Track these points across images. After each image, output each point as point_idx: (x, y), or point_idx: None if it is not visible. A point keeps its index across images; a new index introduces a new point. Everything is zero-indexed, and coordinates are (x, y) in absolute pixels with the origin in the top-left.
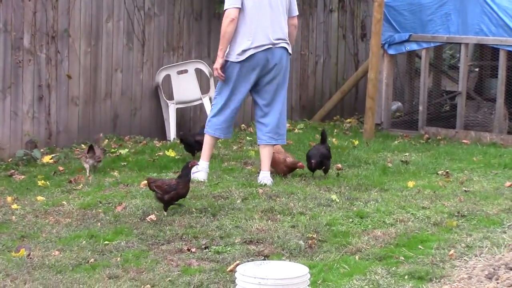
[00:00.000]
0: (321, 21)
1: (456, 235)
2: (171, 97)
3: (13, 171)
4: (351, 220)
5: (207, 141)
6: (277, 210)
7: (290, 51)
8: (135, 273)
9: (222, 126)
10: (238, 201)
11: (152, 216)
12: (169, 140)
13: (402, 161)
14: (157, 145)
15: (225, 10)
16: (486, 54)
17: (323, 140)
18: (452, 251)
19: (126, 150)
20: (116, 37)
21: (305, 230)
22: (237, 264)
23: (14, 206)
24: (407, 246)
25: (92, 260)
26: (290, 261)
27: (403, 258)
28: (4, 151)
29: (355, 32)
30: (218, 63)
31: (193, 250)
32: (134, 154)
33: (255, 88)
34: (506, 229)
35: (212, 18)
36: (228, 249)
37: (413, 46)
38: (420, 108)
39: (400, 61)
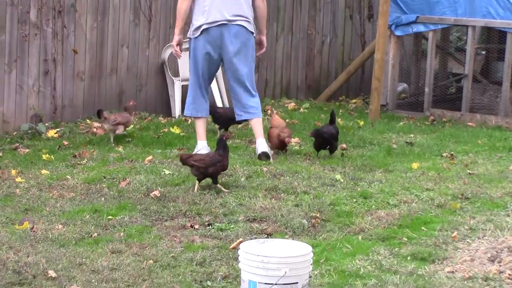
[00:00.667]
0: (328, 1)
1: (459, 217)
2: (176, 74)
3: (17, 144)
4: (354, 200)
5: (195, 123)
6: (281, 189)
7: (251, 29)
8: (138, 248)
9: (193, 105)
10: (242, 179)
11: (156, 192)
12: (174, 117)
13: (407, 142)
14: (162, 121)
15: None
16: (493, 37)
17: (332, 120)
18: (455, 233)
19: (131, 126)
20: (123, 13)
21: (309, 209)
22: (240, 242)
23: (18, 179)
24: (410, 227)
25: (95, 234)
26: (293, 239)
27: (406, 239)
28: (9, 125)
29: (362, 13)
30: (174, 40)
31: (196, 226)
32: (139, 130)
33: (224, 66)
34: (510, 212)
35: None
36: (231, 226)
37: (420, 28)
38: (426, 90)
39: (406, 43)
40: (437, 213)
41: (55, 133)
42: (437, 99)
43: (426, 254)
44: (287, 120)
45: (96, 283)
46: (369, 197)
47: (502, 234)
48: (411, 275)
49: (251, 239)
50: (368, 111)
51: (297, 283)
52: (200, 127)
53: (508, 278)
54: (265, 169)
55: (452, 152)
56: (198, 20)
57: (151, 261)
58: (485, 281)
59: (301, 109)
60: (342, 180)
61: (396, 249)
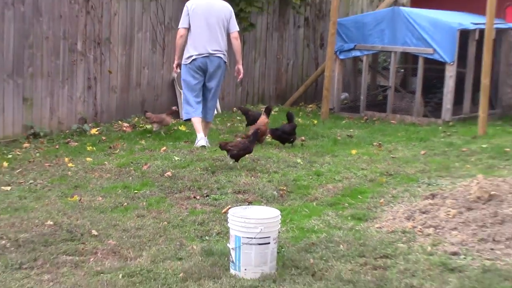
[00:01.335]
0: (291, 34)
1: (385, 188)
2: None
3: (69, 139)
4: (310, 177)
5: (193, 123)
6: (258, 170)
7: (225, 59)
8: (156, 213)
9: (191, 109)
10: (230, 163)
11: (169, 173)
12: (181, 119)
13: (347, 135)
14: (172, 122)
15: (178, 28)
16: (409, 59)
17: (289, 119)
18: (382, 200)
19: (150, 125)
20: (144, 44)
21: (278, 184)
22: (229, 208)
23: (70, 164)
24: (350, 196)
25: (125, 204)
26: (267, 206)
27: (347, 205)
28: (63, 125)
29: (316, 43)
30: (174, 63)
31: (198, 197)
32: None
33: (205, 83)
34: (421, 184)
35: None
36: (223, 197)
37: (357, 53)
38: (361, 97)
39: (347, 64)
40: (369, 185)
41: (96, 131)
42: (369, 104)
43: (362, 215)
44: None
45: (126, 239)
46: (320, 174)
47: (415, 200)
48: (351, 230)
49: (237, 206)
50: (320, 113)
51: (269, 237)
52: (197, 123)
53: (419, 231)
54: (247, 155)
55: (380, 142)
56: (190, 52)
57: (165, 222)
58: (403, 233)
59: (273, 111)
60: (301, 163)
61: (340, 211)
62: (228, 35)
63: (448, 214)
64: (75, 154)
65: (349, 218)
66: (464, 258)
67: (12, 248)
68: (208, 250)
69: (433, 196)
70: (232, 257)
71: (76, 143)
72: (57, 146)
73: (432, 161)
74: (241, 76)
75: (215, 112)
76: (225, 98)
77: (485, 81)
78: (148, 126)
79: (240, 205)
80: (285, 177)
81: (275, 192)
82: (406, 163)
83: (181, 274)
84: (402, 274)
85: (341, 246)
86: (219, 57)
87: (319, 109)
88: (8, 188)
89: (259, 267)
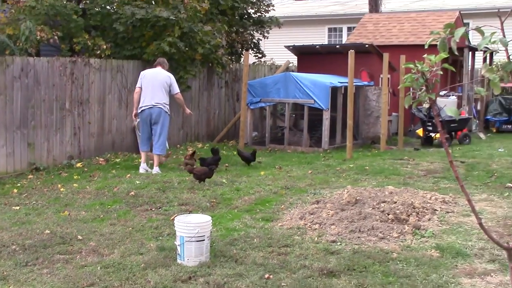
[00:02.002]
0: (216, 93)
1: (284, 198)
2: None
3: (61, 171)
4: (232, 192)
5: (141, 155)
6: (196, 188)
7: (165, 110)
8: (123, 222)
9: (141, 145)
10: (176, 184)
11: (132, 192)
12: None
13: (258, 161)
14: (135, 156)
15: (135, 88)
16: (298, 107)
17: (214, 153)
18: (282, 206)
19: (119, 159)
20: (113, 102)
21: (210, 197)
22: (175, 216)
23: (62, 189)
24: (260, 204)
25: (101, 216)
26: (202, 213)
27: (259, 210)
28: (57, 161)
29: (234, 98)
30: (133, 113)
31: (153, 209)
32: (124, 161)
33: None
34: (310, 194)
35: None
36: (171, 208)
37: (262, 104)
38: (266, 134)
39: (256, 112)
40: (273, 196)
41: (80, 165)
42: (272, 139)
43: (269, 217)
44: (198, 153)
45: (102, 241)
46: (239, 190)
47: (305, 205)
48: (262, 228)
49: (181, 214)
50: (238, 146)
51: (204, 235)
52: (142, 156)
53: (309, 227)
54: (187, 178)
55: (280, 165)
56: (140, 104)
57: (130, 228)
58: (298, 229)
59: (204, 147)
60: (226, 182)
61: (254, 215)
62: (173, 95)
63: (328, 214)
64: (66, 182)
65: (260, 220)
66: (340, 244)
67: (20, 251)
68: (161, 247)
69: (317, 202)
70: (178, 251)
71: (66, 174)
72: (52, 177)
73: (316, 177)
74: (189, 112)
75: (164, 152)
76: (171, 138)
77: (349, 121)
78: (118, 160)
79: (183, 213)
80: (215, 193)
81: (207, 204)
82: (298, 179)
83: (142, 265)
84: (298, 257)
85: (255, 240)
86: (159, 107)
87: (237, 143)
88: (17, 207)
89: (197, 258)
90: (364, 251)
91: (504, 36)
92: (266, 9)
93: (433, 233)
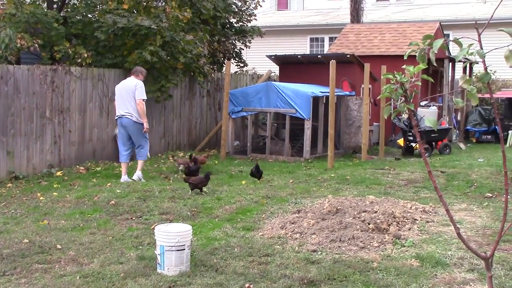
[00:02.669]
0: (198, 102)
1: (265, 207)
2: None
3: (40, 180)
4: (214, 201)
5: (122, 166)
6: (177, 197)
7: (133, 119)
8: (104, 231)
9: (121, 156)
10: (157, 193)
11: (113, 201)
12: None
13: (239, 171)
14: (115, 165)
15: None
16: (280, 117)
17: (194, 162)
18: (264, 215)
19: (100, 168)
20: (94, 111)
21: (191, 206)
22: (156, 225)
23: (41, 198)
24: (241, 213)
25: (81, 225)
26: (183, 222)
27: (239, 220)
28: (36, 170)
29: (216, 107)
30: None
31: (134, 218)
32: (104, 170)
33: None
34: (291, 203)
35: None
36: (151, 217)
37: (244, 114)
38: (248, 144)
39: (237, 121)
40: (254, 205)
41: (60, 173)
42: (254, 148)
43: (250, 226)
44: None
45: (82, 250)
46: (221, 199)
47: (286, 214)
48: (242, 237)
49: (161, 223)
50: (220, 156)
51: (184, 245)
52: (122, 167)
53: (290, 236)
54: (168, 187)
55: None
56: (116, 114)
57: (110, 237)
58: (279, 238)
59: (186, 156)
60: (207, 191)
61: (235, 225)
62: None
63: (309, 224)
64: (45, 190)
65: (241, 229)
66: (321, 254)
67: None
68: (142, 256)
69: (298, 211)
70: (158, 260)
71: (46, 183)
72: (32, 185)
73: (297, 187)
74: (144, 130)
75: (146, 157)
76: (152, 147)
77: (331, 131)
78: (98, 168)
79: (163, 222)
80: (196, 202)
81: (188, 213)
82: (280, 189)
83: (122, 274)
84: (279, 267)
85: (236, 249)
86: (127, 117)
87: (219, 153)
88: None
89: (178, 267)
90: (345, 261)
91: (481, 47)
92: (248, 18)
93: (413, 243)
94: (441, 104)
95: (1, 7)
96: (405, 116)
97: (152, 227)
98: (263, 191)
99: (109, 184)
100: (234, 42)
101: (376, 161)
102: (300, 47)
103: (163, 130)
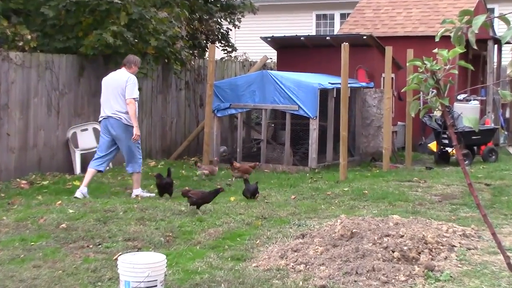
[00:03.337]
0: (174, 96)
1: (260, 230)
2: (77, 146)
3: None
4: (194, 223)
5: (86, 173)
6: (146, 218)
7: (123, 121)
8: (51, 263)
9: (93, 161)
10: (121, 213)
11: (64, 225)
12: (76, 174)
13: (227, 184)
14: (68, 177)
15: None
16: (278, 115)
17: (168, 174)
18: (258, 241)
19: (47, 181)
20: (40, 108)
21: (165, 230)
22: (120, 255)
23: None
24: (229, 238)
25: (22, 255)
26: (154, 251)
27: (227, 247)
28: None
29: (196, 103)
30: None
31: (91, 246)
32: (53, 184)
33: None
34: (292, 225)
35: None
36: (114, 245)
37: (232, 111)
38: (238, 150)
39: (224, 121)
40: (246, 228)
41: None
42: (245, 155)
43: (240, 255)
44: (149, 173)
45: None
46: (203, 220)
47: (288, 240)
48: (231, 270)
49: (127, 252)
50: None
51: (156, 280)
52: (87, 174)
53: (292, 268)
54: (135, 206)
55: None
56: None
57: (60, 271)
58: (278, 271)
59: (159, 165)
60: (185, 210)
61: (221, 253)
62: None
63: (317, 251)
64: None
65: (229, 259)
66: None
67: None
68: None
69: (303, 235)
70: None
71: None
72: None
73: (301, 204)
74: (133, 137)
75: (108, 167)
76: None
77: (344, 133)
78: (45, 182)
79: (130, 251)
80: (171, 224)
81: (162, 238)
82: (278, 207)
83: None
84: None
85: (222, 285)
86: (116, 118)
87: (200, 161)
88: None
89: None
90: None
91: None
92: None
93: (451, 276)
94: (484, 98)
95: None
96: (437, 113)
97: (114, 258)
98: (258, 210)
99: (59, 202)
100: (219, 20)
101: (401, 170)
102: (303, 26)
103: None
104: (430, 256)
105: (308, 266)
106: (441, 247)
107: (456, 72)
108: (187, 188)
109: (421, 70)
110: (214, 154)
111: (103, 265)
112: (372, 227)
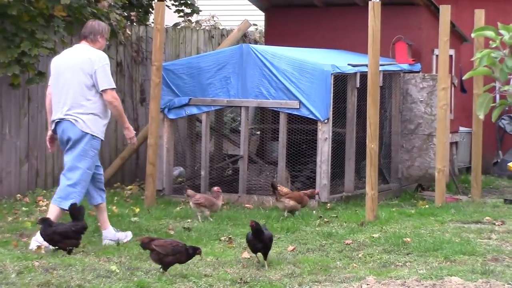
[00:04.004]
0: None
1: None
2: None
3: None
4: None
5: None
6: (54, 284)
7: (81, 127)
8: None
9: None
10: (13, 276)
11: None
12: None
13: (184, 228)
14: None
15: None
16: (267, 117)
17: (78, 211)
18: None
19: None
20: None
21: None
22: None
23: None
24: None
25: None
26: None
27: None
28: None
29: (134, 97)
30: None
31: None
32: None
33: None
34: None
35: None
36: None
37: (193, 110)
38: (202, 173)
39: (181, 125)
40: None
41: None
42: (214, 182)
43: None
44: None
45: None
46: (146, 287)
47: None
48: None
49: None
50: (144, 197)
51: None
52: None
53: None
54: (36, 263)
55: (230, 236)
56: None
57: None
58: None
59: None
60: (118, 271)
61: None
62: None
63: None
64: None
65: None
66: None
67: None
68: None
69: None
70: None
71: None
72: None
73: (304, 259)
74: (131, 136)
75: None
76: (3, 181)
77: (371, 145)
78: None
79: None
80: None
81: None
82: (269, 264)
83: None
84: None
85: None
86: (70, 120)
87: (142, 191)
88: None
89: None
90: None
91: None
92: None
93: None
94: None
95: None
96: None
97: None
98: (234, 269)
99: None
100: None
101: (465, 205)
102: None
103: (25, 145)
104: None
105: None
106: None
107: None
108: (148, 236)
109: (495, 45)
110: (163, 181)
111: None
112: None
